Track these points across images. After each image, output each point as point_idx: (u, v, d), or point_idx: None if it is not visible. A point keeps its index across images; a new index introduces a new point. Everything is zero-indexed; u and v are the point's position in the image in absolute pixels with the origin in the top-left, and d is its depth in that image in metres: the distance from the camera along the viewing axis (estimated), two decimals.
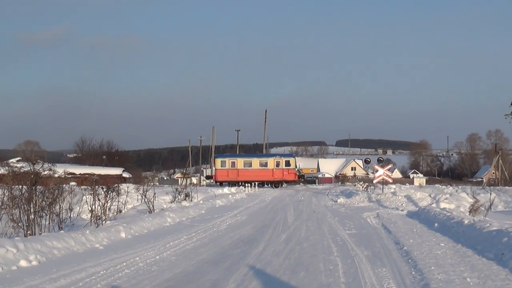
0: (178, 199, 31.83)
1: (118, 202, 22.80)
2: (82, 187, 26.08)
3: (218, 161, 62.09)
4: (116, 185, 21.76)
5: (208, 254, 13.96)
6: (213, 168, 61.46)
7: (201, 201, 33.84)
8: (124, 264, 12.25)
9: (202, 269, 11.83)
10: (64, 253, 13.31)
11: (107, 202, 19.83)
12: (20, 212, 16.47)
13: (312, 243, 15.86)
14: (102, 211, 19.47)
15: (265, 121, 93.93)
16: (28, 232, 15.79)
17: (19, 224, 16.28)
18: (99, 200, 19.48)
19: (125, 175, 67.06)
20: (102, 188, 20.27)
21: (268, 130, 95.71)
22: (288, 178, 55.62)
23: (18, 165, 21.04)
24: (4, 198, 17.60)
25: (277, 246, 15.37)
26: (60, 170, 23.34)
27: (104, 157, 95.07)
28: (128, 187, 28.27)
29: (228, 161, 60.78)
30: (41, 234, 15.50)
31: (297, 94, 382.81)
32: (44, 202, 17.17)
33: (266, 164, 60.14)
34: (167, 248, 14.84)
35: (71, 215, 20.18)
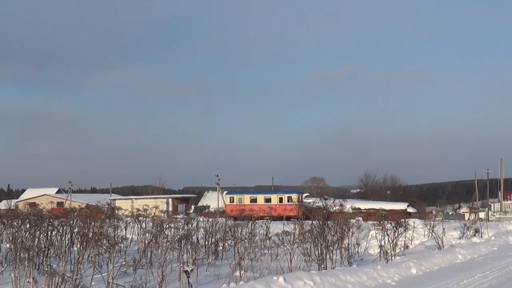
0: (467, 235, 30.54)
1: (405, 237, 22.62)
2: (369, 222, 26.41)
3: (228, 197, 67.86)
4: (403, 220, 21.58)
5: None
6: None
7: (492, 237, 32.08)
8: None
9: None
10: None
11: (395, 237, 19.75)
12: (312, 246, 17.16)
13: None
14: (391, 246, 19.42)
15: None
16: (322, 265, 16.33)
17: (311, 257, 16.96)
18: (387, 235, 19.48)
19: (410, 210, 66.55)
20: (390, 223, 20.27)
21: None
22: (290, 214, 55.12)
23: (308, 201, 22.01)
24: (296, 233, 18.54)
25: None
26: (347, 205, 23.90)
27: (388, 192, 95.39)
28: (414, 222, 27.94)
29: (236, 197, 65.85)
30: (333, 268, 15.93)
31: None
32: (334, 237, 17.70)
33: (270, 200, 62.56)
34: (460, 286, 14.29)
35: (359, 250, 20.50)
